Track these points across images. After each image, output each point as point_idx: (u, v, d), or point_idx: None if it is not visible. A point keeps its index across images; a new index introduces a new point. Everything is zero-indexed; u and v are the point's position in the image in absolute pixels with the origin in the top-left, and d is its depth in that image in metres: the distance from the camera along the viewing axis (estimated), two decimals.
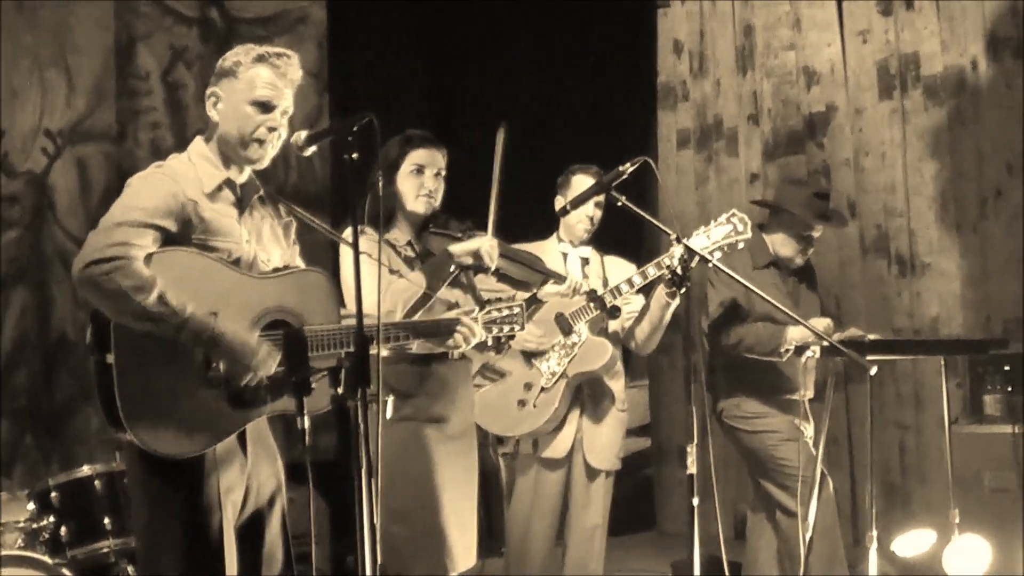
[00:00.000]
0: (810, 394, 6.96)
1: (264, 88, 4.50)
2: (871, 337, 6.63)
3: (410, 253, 5.63)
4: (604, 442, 6.52)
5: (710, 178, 10.23)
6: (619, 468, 6.67)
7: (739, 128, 9.95)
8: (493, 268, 5.48)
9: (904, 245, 8.77)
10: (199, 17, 9.76)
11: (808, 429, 6.90)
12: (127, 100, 9.34)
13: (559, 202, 6.62)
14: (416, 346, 5.21)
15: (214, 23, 9.72)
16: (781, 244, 7.06)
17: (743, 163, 9.91)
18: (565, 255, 6.61)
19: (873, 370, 5.69)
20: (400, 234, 5.71)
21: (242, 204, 4.58)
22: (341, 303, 4.69)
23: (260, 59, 4.53)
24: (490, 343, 5.18)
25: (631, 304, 6.40)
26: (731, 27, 10.01)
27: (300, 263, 4.79)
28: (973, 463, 7.16)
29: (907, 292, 8.76)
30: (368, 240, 5.04)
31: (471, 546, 5.65)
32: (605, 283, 6.49)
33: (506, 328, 5.11)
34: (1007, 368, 7.24)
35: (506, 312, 5.09)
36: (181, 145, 4.65)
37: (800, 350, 6.56)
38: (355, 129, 4.21)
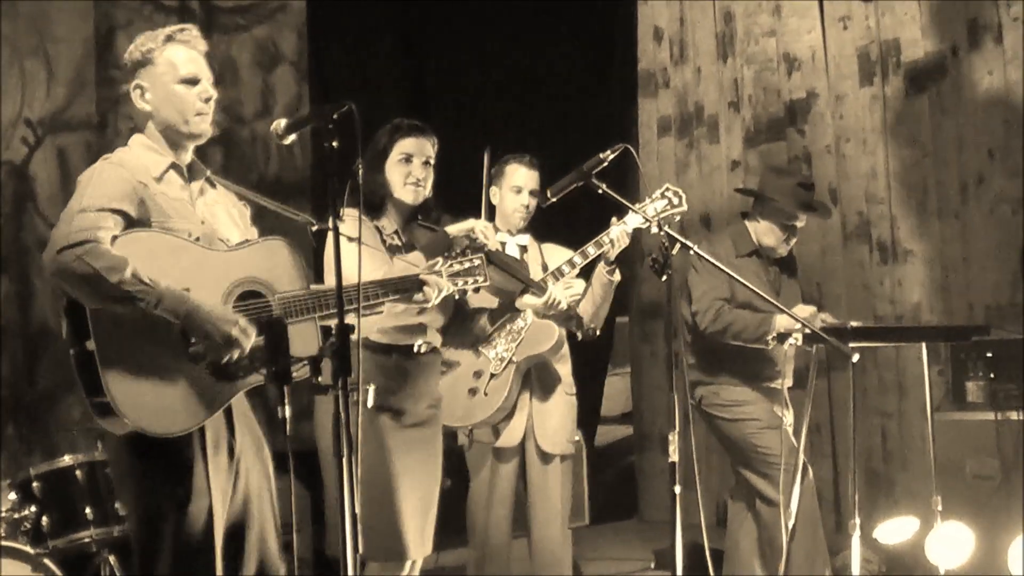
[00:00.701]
0: (789, 382, 6.96)
1: (186, 64, 4.56)
2: (853, 324, 6.64)
3: (396, 242, 5.64)
4: (555, 426, 6.52)
5: (691, 165, 10.25)
6: (572, 452, 6.66)
7: (720, 115, 9.97)
8: (489, 245, 5.51)
9: (885, 232, 8.78)
10: (179, 6, 9.72)
11: (788, 417, 6.91)
12: (107, 89, 9.30)
13: (494, 193, 6.67)
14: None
15: (194, 12, 9.67)
16: (764, 233, 7.06)
17: (724, 150, 9.93)
18: (504, 244, 6.57)
19: (855, 357, 5.71)
20: (388, 222, 5.73)
21: (191, 182, 4.62)
22: (304, 269, 4.71)
23: (169, 39, 4.57)
24: (457, 296, 5.25)
25: (573, 288, 6.40)
26: (711, 14, 10.03)
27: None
28: (955, 450, 7.17)
29: (889, 279, 8.77)
30: (352, 221, 5.05)
31: (428, 535, 5.68)
32: (544, 269, 6.52)
33: (470, 280, 5.19)
34: (989, 355, 7.24)
35: (467, 264, 5.19)
36: None
37: (782, 337, 6.57)
38: (334, 117, 4.22)
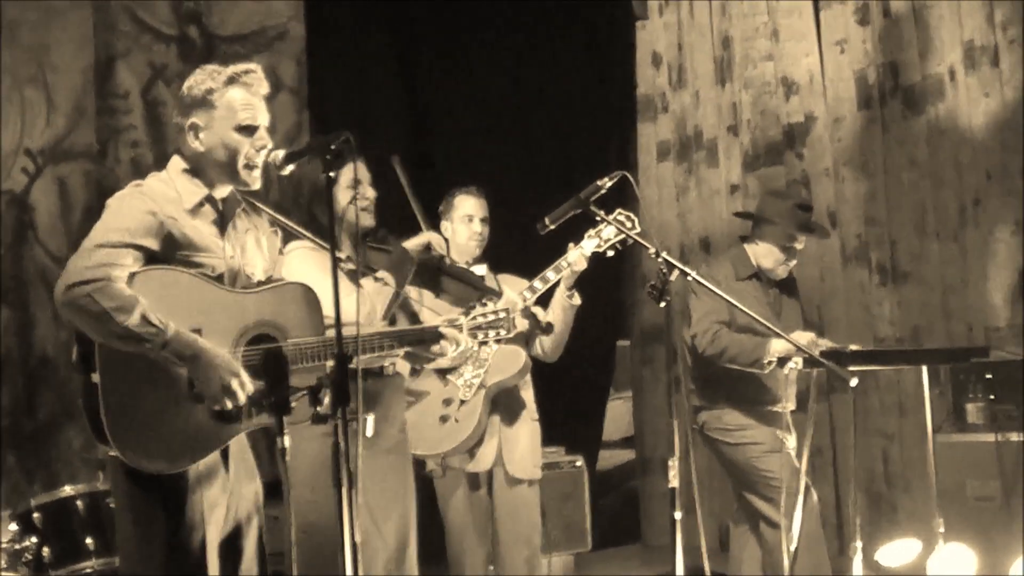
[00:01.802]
0: (792, 405, 6.97)
1: (245, 110, 4.49)
2: (852, 348, 6.64)
3: (351, 266, 5.63)
4: (523, 451, 6.53)
5: (690, 189, 10.25)
6: (539, 477, 6.67)
7: (719, 139, 9.97)
8: (444, 255, 5.53)
9: (885, 254, 8.79)
10: (178, 35, 9.75)
11: (790, 440, 6.91)
12: (107, 118, 9.33)
13: (445, 227, 6.68)
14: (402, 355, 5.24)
15: (193, 41, 9.70)
16: (763, 256, 7.07)
17: (723, 174, 9.94)
18: None
19: (854, 382, 5.70)
20: (344, 248, 5.74)
21: (224, 219, 4.58)
22: (320, 315, 4.68)
23: (231, 81, 4.50)
24: (477, 348, 5.21)
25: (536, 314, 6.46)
26: (709, 39, 10.04)
27: (296, 265, 4.82)
28: (956, 472, 7.17)
29: (888, 301, 8.78)
30: (304, 252, 5.07)
31: (411, 561, 5.71)
32: None
33: (492, 333, 5.13)
34: (989, 376, 7.25)
35: (492, 317, 5.12)
36: (162, 162, 4.64)
37: (782, 362, 6.58)
38: (332, 148, 4.21)
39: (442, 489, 6.57)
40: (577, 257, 6.23)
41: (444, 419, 6.36)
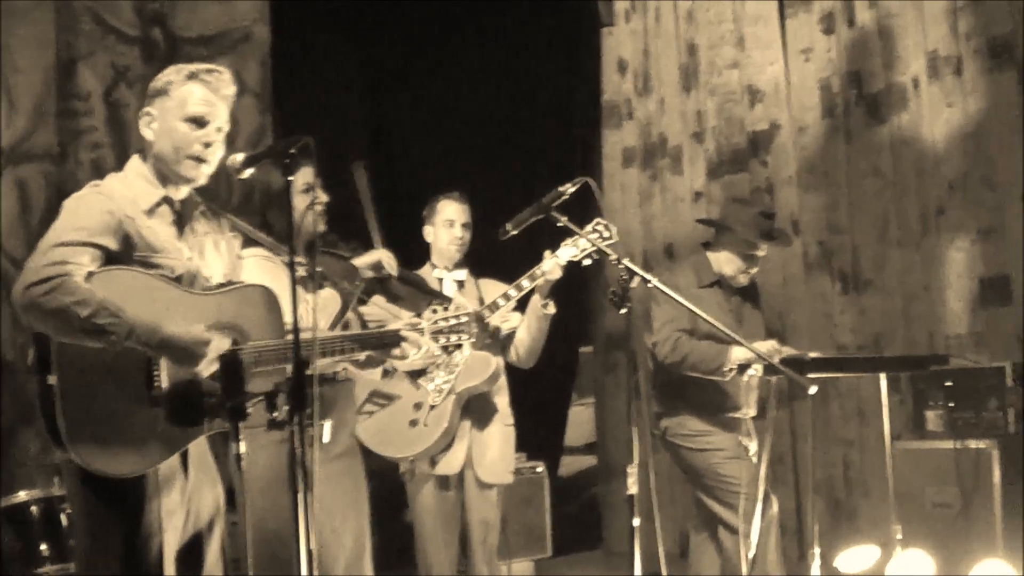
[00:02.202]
0: (753, 412, 6.99)
1: (197, 104, 4.51)
2: (813, 355, 6.66)
3: (302, 272, 5.62)
4: (494, 456, 6.59)
5: (655, 196, 10.27)
6: (510, 482, 6.76)
7: (683, 146, 9.99)
8: (395, 274, 5.54)
9: (847, 262, 8.81)
10: (141, 36, 9.69)
11: (752, 446, 6.92)
12: (68, 120, 9.27)
13: (427, 231, 6.79)
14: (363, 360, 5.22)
15: (156, 42, 9.66)
16: (725, 263, 7.08)
17: (688, 181, 9.95)
18: (441, 280, 6.74)
19: (812, 389, 5.71)
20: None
21: (182, 220, 4.58)
22: (281, 318, 4.67)
23: (192, 76, 4.53)
24: (438, 352, 5.21)
25: (510, 320, 6.56)
26: (675, 46, 10.06)
27: (249, 273, 4.80)
28: (916, 479, 7.20)
29: (850, 309, 8.79)
30: (257, 260, 5.09)
31: (361, 561, 5.72)
32: (481, 303, 6.58)
33: (453, 337, 5.12)
34: (949, 384, 7.27)
35: (453, 321, 5.10)
36: (123, 165, 4.64)
37: (743, 369, 6.59)
38: (292, 152, 4.20)
39: (412, 491, 6.61)
40: (552, 266, 6.25)
41: (413, 423, 6.41)
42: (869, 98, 8.70)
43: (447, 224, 6.73)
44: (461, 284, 6.78)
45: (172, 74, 4.55)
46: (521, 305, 6.52)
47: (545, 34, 10.72)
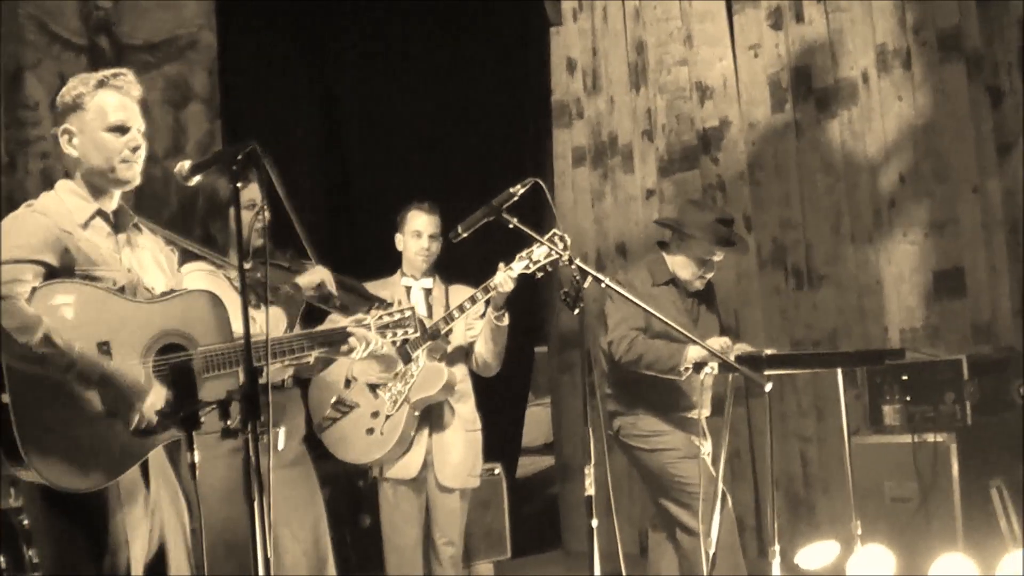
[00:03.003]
0: (707, 411, 6.98)
1: (116, 112, 4.47)
2: (768, 352, 6.65)
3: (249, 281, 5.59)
4: (456, 461, 6.79)
5: (606, 195, 10.25)
6: (474, 486, 6.98)
7: (634, 144, 9.98)
8: (335, 292, 5.56)
9: (800, 258, 8.83)
10: (88, 44, 9.61)
11: (706, 446, 6.92)
12: (16, 130, 9.18)
13: (399, 240, 6.95)
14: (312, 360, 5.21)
15: (103, 50, 9.58)
16: (680, 266, 7.06)
17: (639, 179, 9.94)
18: (408, 288, 6.91)
19: (768, 386, 5.71)
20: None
21: (117, 231, 4.54)
22: (228, 322, 4.64)
23: (101, 84, 4.49)
24: (386, 348, 5.23)
25: (473, 329, 6.78)
26: (623, 44, 10.05)
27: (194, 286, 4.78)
28: (874, 473, 7.21)
29: (805, 304, 8.81)
30: (199, 275, 5.09)
31: (324, 564, 5.69)
32: (447, 309, 6.74)
33: (400, 332, 5.16)
34: (904, 378, 7.30)
35: (398, 316, 5.17)
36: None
37: (698, 367, 6.58)
38: (239, 158, 4.17)
39: (380, 494, 6.82)
40: (503, 279, 6.36)
41: (370, 431, 6.65)
42: (819, 93, 8.72)
43: (415, 235, 6.88)
44: (428, 292, 6.93)
45: (79, 86, 4.49)
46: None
47: (493, 34, 10.68)
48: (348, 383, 6.73)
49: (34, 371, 4.09)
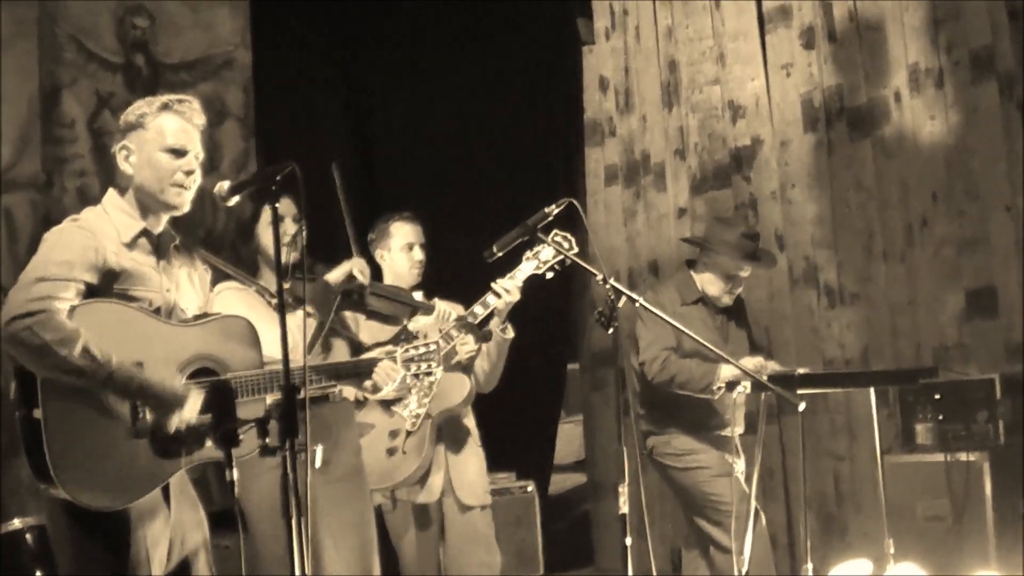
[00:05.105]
0: (740, 429, 7.00)
1: (175, 135, 4.53)
2: (801, 371, 6.67)
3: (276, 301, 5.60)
4: (472, 478, 6.57)
5: (638, 213, 10.26)
6: (490, 502, 6.71)
7: (666, 163, 9.98)
8: (367, 283, 5.53)
9: (832, 276, 8.82)
10: (124, 63, 9.70)
11: (739, 464, 6.93)
12: (53, 148, 9.26)
13: (380, 255, 6.71)
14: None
15: (139, 69, 9.66)
16: (708, 283, 7.09)
17: (671, 198, 9.95)
18: None
19: (802, 406, 5.73)
20: (266, 282, 5.72)
21: (159, 253, 4.60)
22: (260, 348, 4.68)
23: (165, 107, 4.56)
24: (409, 380, 5.24)
25: (468, 344, 6.43)
26: (656, 63, 10.06)
27: (226, 306, 4.83)
28: (906, 492, 7.20)
29: (837, 323, 8.80)
30: (229, 292, 5.14)
31: None
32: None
33: (423, 365, 5.17)
34: (937, 396, 7.28)
35: (423, 349, 5.17)
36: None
37: (731, 386, 6.59)
38: (278, 179, 4.22)
39: (393, 522, 6.57)
40: (512, 286, 6.18)
41: (391, 452, 6.35)
42: (851, 112, 8.72)
43: (406, 248, 6.69)
44: None
45: (144, 107, 4.57)
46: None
47: (525, 53, 10.70)
48: (359, 403, 6.32)
49: (71, 382, 4.15)
